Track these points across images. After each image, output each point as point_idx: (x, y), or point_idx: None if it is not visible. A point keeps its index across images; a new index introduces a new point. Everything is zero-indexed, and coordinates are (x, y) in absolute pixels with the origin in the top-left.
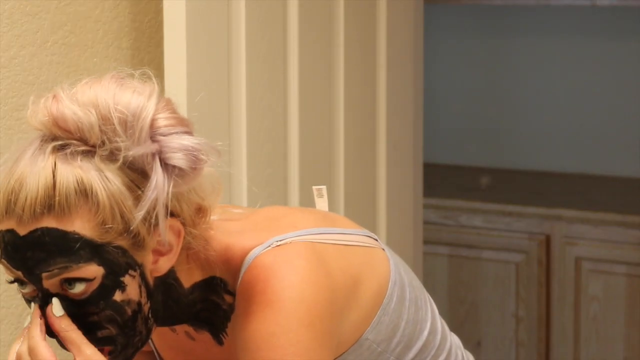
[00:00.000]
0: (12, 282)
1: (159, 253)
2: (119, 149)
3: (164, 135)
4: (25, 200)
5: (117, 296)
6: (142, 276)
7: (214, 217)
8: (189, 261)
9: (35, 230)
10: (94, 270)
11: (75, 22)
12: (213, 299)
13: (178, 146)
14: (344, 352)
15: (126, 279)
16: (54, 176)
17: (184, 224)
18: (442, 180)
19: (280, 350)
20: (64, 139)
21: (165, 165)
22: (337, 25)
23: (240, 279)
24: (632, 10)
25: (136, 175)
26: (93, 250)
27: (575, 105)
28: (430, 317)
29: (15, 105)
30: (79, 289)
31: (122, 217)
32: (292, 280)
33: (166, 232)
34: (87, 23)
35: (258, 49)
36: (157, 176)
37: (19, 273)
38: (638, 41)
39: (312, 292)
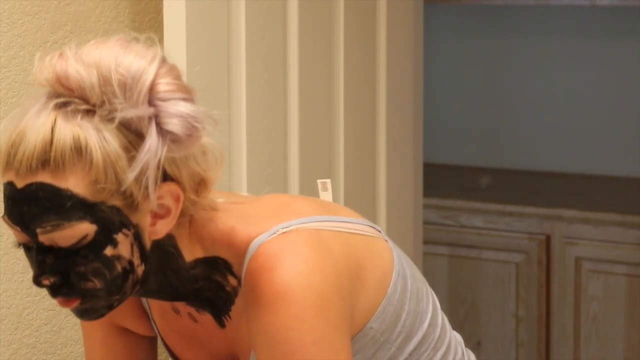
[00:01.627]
0: (18, 246)
1: (157, 216)
2: (116, 110)
3: (162, 100)
4: (24, 154)
5: (108, 251)
6: (136, 236)
7: (220, 199)
8: (191, 237)
9: (31, 184)
10: (86, 228)
11: (75, 22)
12: (216, 279)
13: (174, 112)
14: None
15: (119, 237)
16: (52, 132)
17: (183, 190)
18: (442, 180)
19: (298, 342)
20: (67, 96)
21: (161, 130)
22: (337, 25)
23: (245, 266)
24: (632, 10)
25: (133, 136)
26: (86, 208)
27: (575, 105)
28: (432, 310)
29: (15, 105)
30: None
31: (115, 177)
32: (298, 269)
33: (155, 195)
34: (87, 23)
35: (258, 49)
36: (151, 140)
37: (18, 228)
38: (638, 41)
39: (319, 279)
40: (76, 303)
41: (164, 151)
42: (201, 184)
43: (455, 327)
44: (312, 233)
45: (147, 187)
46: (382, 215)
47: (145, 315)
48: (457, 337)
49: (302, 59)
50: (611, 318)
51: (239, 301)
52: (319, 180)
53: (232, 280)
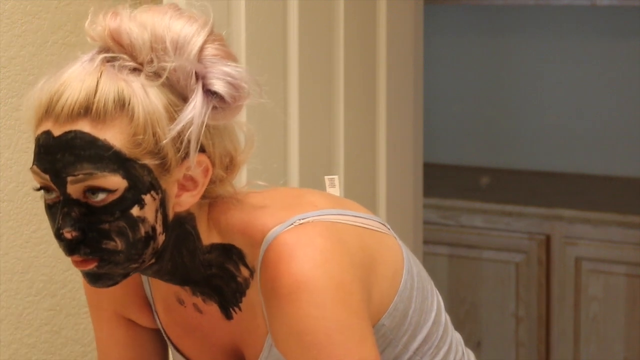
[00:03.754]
0: (38, 190)
1: (183, 188)
2: (165, 68)
3: (210, 62)
4: (66, 100)
5: (135, 211)
6: (162, 202)
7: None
8: (209, 223)
9: (69, 131)
10: (117, 182)
11: (75, 22)
12: (229, 268)
13: (221, 73)
14: None
15: (147, 198)
16: (97, 83)
17: (213, 165)
18: (442, 180)
19: (323, 331)
20: (116, 52)
21: (207, 92)
22: (337, 25)
23: (261, 256)
24: (632, 10)
25: (176, 98)
26: (120, 162)
27: (575, 105)
28: (436, 309)
29: (15, 105)
30: (100, 198)
31: (154, 135)
32: (317, 260)
33: (195, 154)
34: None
35: (258, 49)
36: (197, 99)
37: (47, 177)
38: (638, 41)
39: (337, 270)
40: (93, 265)
41: (207, 111)
42: (230, 164)
43: (455, 327)
44: (328, 225)
45: (181, 152)
46: (382, 215)
47: (149, 308)
48: (457, 337)
49: (302, 59)
50: (611, 318)
51: (250, 293)
52: (326, 177)
53: (244, 271)
